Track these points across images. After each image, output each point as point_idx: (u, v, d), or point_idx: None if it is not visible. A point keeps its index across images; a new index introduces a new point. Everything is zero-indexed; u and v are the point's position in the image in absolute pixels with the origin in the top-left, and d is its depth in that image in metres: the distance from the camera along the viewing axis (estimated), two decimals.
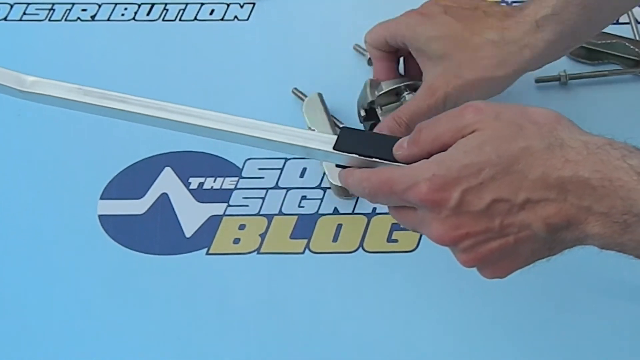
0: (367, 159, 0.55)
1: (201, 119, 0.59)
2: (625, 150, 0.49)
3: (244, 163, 0.77)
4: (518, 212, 0.50)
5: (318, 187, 0.76)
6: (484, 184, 0.49)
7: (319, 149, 0.57)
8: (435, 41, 0.67)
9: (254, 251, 0.73)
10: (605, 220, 0.48)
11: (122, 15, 0.87)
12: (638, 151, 0.49)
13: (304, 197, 0.75)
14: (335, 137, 0.57)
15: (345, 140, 0.56)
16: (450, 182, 0.50)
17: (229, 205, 0.75)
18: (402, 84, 0.72)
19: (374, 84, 0.73)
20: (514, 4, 0.86)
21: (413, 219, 0.54)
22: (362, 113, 0.74)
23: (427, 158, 0.52)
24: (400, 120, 0.67)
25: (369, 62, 0.78)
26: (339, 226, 0.74)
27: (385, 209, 0.73)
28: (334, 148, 0.56)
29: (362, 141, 0.56)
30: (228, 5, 0.88)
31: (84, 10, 0.87)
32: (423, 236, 0.72)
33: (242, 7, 0.87)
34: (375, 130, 0.68)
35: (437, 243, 0.53)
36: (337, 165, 0.58)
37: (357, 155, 0.56)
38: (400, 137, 0.55)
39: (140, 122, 0.61)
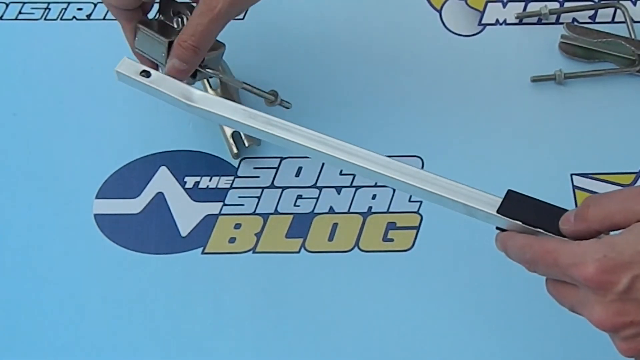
0: (531, 228, 0.55)
1: (368, 161, 0.59)
2: None
3: (240, 162, 0.77)
4: None
5: (314, 186, 0.76)
6: None
7: (482, 210, 0.56)
8: None
9: (249, 250, 0.73)
10: None
11: None
12: None
13: (299, 196, 0.75)
14: (500, 199, 0.56)
15: (510, 204, 0.56)
16: (621, 266, 0.48)
17: (225, 205, 0.75)
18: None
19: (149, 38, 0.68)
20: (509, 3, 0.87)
21: (572, 297, 0.53)
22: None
23: (594, 236, 0.51)
24: (187, 45, 0.63)
25: (267, 102, 0.72)
26: (335, 225, 0.74)
27: (381, 207, 0.74)
28: (497, 211, 0.56)
29: (528, 208, 0.55)
30: None
31: (79, 9, 0.87)
32: (419, 235, 0.73)
33: None
34: (167, 68, 0.65)
35: (596, 327, 0.51)
36: (498, 228, 0.58)
37: (520, 223, 0.55)
38: (567, 210, 0.54)
39: (301, 152, 0.61)
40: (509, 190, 0.57)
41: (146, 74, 0.64)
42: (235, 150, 0.76)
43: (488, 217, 0.56)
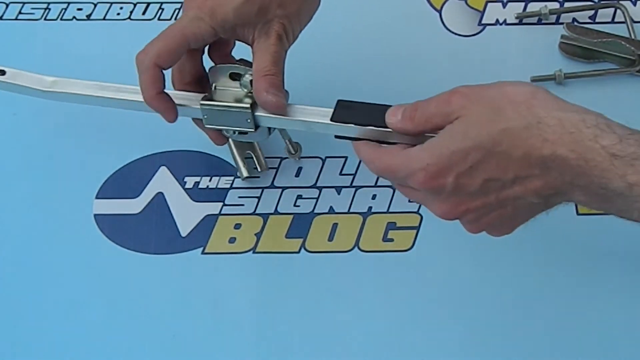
0: (364, 127, 0.60)
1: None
2: (597, 130, 0.52)
3: None
4: (511, 187, 0.54)
5: (314, 186, 0.76)
6: (473, 167, 0.54)
7: (318, 122, 0.63)
8: (244, 6, 0.64)
9: (249, 250, 0.73)
10: (586, 191, 0.53)
11: (118, 14, 0.87)
12: (609, 128, 0.52)
13: (299, 196, 0.75)
14: (332, 110, 0.62)
15: (342, 111, 0.62)
16: (443, 169, 0.54)
17: (225, 205, 0.75)
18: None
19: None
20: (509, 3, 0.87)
21: (417, 197, 0.60)
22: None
23: (419, 136, 0.57)
24: (267, 71, 0.64)
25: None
26: (335, 225, 0.74)
27: (381, 207, 0.74)
28: (331, 119, 0.62)
29: (357, 111, 0.61)
30: None
31: (79, 9, 0.87)
32: (419, 235, 0.73)
33: None
34: (265, 104, 0.65)
35: (443, 219, 0.58)
36: (336, 136, 0.63)
37: (353, 125, 0.61)
38: (391, 106, 0.60)
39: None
40: (338, 100, 0.63)
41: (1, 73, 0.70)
42: (245, 175, 0.74)
43: (326, 127, 0.62)
